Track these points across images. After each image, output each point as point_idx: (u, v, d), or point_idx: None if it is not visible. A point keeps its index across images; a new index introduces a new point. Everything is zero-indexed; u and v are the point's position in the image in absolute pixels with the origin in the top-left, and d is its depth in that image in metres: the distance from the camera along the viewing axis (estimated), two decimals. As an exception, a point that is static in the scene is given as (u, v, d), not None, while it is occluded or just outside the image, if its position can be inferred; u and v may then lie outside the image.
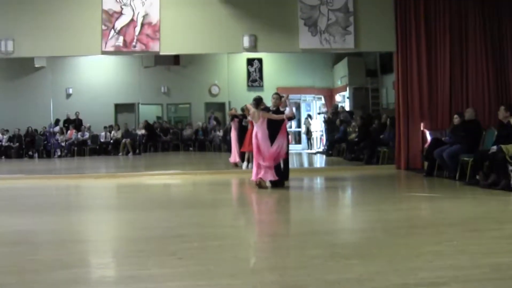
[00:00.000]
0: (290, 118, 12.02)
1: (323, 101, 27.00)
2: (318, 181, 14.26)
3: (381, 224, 7.56)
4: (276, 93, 12.58)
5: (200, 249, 6.17)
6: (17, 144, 24.52)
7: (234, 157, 16.69)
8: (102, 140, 25.22)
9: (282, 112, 11.75)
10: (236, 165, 16.48)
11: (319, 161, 20.79)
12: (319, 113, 25.39)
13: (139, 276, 5.08)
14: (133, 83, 24.95)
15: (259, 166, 11.34)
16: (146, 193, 12.55)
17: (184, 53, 18.92)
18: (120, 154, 24.48)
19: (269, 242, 6.71)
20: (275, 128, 11.50)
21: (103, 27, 15.60)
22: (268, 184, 11.61)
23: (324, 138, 24.47)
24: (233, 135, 17.10)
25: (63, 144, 24.53)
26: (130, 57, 24.14)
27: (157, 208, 9.50)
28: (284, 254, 5.91)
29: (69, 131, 24.89)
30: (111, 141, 25.05)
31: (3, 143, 24.51)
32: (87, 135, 25.03)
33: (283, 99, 12.42)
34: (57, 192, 13.07)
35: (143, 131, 25.12)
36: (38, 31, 15.65)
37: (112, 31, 15.58)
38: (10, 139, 24.63)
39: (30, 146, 24.58)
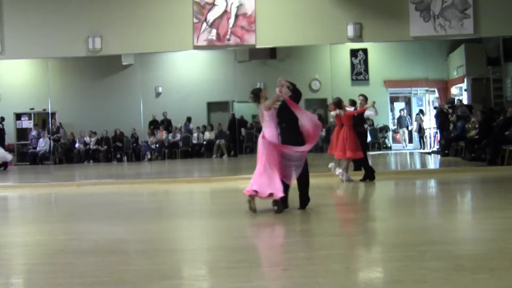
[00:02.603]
0: (294, 94, 9.44)
1: (436, 94, 26.34)
2: (433, 184, 13.92)
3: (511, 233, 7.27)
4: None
5: (306, 259, 6.15)
6: (105, 147, 25.44)
7: None
8: (194, 141, 25.71)
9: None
10: None
11: (434, 161, 20.31)
12: (435, 108, 24.65)
13: (241, 289, 5.13)
14: (226, 80, 25.23)
15: (263, 177, 9.19)
16: (242, 198, 12.65)
17: (282, 45, 18.97)
18: (214, 156, 24.88)
19: (383, 253, 6.61)
20: (284, 119, 9.40)
21: (195, 20, 15.92)
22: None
23: (438, 136, 23.85)
24: None
25: (153, 146, 25.20)
26: (223, 52, 24.45)
27: (254, 215, 9.55)
28: (400, 266, 5.78)
29: (159, 133, 25.54)
30: (204, 142, 25.50)
31: (91, 146, 25.50)
32: (178, 136, 25.59)
33: (369, 103, 13.26)
34: (149, 198, 13.44)
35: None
36: (126, 27, 16.18)
37: (204, 24, 15.88)
38: (98, 142, 25.59)
39: (118, 149, 25.43)
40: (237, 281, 5.39)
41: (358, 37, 15.65)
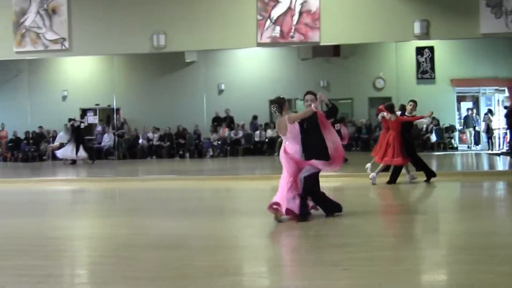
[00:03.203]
0: (331, 111, 9.10)
1: (506, 93, 25.72)
2: (502, 187, 13.59)
3: None
4: (309, 93, 9.14)
5: (367, 260, 6.11)
6: (168, 143, 25.74)
7: None
8: (256, 139, 25.78)
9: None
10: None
11: (503, 163, 19.83)
12: (505, 107, 24.03)
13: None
14: (289, 77, 25.22)
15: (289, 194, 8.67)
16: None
17: (346, 43, 18.88)
18: (276, 154, 24.80)
19: (448, 256, 6.50)
20: (313, 133, 8.85)
21: (259, 17, 15.97)
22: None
23: (508, 136, 23.29)
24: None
25: (215, 143, 25.38)
26: (286, 49, 24.47)
27: (316, 215, 9.52)
28: (467, 270, 5.68)
29: (221, 130, 25.70)
30: (266, 140, 25.53)
31: (154, 142, 25.85)
32: (240, 134, 25.71)
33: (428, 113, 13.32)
34: (211, 195, 13.57)
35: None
36: (190, 24, 16.36)
37: (268, 21, 15.92)
38: (161, 138, 25.92)
39: (181, 145, 25.69)
40: (298, 280, 5.40)
41: (425, 35, 15.42)
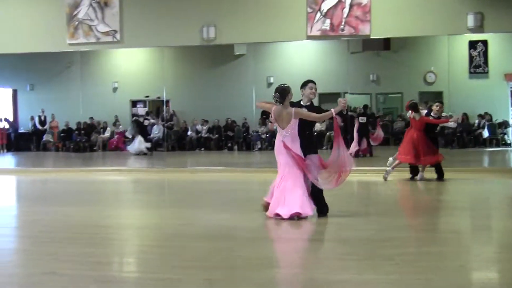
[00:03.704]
0: (342, 116, 8.95)
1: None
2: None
3: None
4: (311, 81, 9.18)
5: (417, 255, 6.06)
6: (217, 135, 25.89)
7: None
8: (304, 132, 25.69)
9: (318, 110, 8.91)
10: None
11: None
12: None
13: (350, 281, 5.12)
14: (338, 71, 25.02)
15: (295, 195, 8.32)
16: (350, 190, 12.54)
17: (397, 36, 18.64)
18: (324, 148, 24.79)
19: (500, 253, 6.39)
20: (307, 133, 8.77)
21: (309, 10, 15.91)
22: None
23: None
24: None
25: (263, 136, 25.42)
26: (336, 42, 24.30)
27: (362, 209, 9.48)
28: (519, 267, 5.61)
29: (269, 123, 25.68)
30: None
31: (203, 134, 26.02)
32: (288, 127, 25.66)
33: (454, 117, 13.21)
34: (259, 187, 13.57)
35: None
36: (240, 17, 16.41)
37: (318, 14, 15.84)
38: (209, 130, 26.09)
39: (229, 137, 25.82)
40: (347, 274, 5.38)
41: (479, 28, 15.13)
